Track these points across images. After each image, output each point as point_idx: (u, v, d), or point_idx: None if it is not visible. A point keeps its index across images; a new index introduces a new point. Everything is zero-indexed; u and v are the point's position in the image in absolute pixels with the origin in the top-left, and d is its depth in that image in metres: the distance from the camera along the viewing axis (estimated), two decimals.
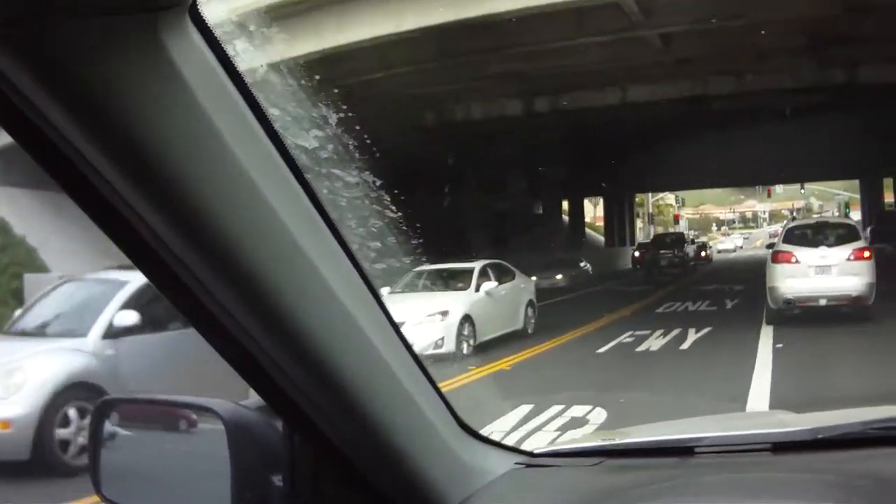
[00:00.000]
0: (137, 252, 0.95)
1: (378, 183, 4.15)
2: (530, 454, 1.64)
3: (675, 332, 14.09)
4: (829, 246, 13.92)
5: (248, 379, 1.14)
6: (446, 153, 24.27)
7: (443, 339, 12.55)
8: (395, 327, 1.24)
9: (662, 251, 35.12)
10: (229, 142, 0.88)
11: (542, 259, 26.07)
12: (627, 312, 19.01)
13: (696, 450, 1.63)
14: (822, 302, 13.52)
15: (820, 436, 1.58)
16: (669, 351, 12.62)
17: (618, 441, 1.84)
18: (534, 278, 18.07)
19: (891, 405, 1.87)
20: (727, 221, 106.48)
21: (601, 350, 12.99)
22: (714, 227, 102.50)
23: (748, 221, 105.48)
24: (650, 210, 72.24)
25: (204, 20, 0.85)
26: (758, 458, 1.60)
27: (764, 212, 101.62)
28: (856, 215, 58.00)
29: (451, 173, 26.73)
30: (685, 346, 13.00)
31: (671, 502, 1.42)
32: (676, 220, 73.48)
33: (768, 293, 14.16)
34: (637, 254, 37.84)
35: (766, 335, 12.97)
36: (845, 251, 13.73)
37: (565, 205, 47.55)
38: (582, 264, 31.08)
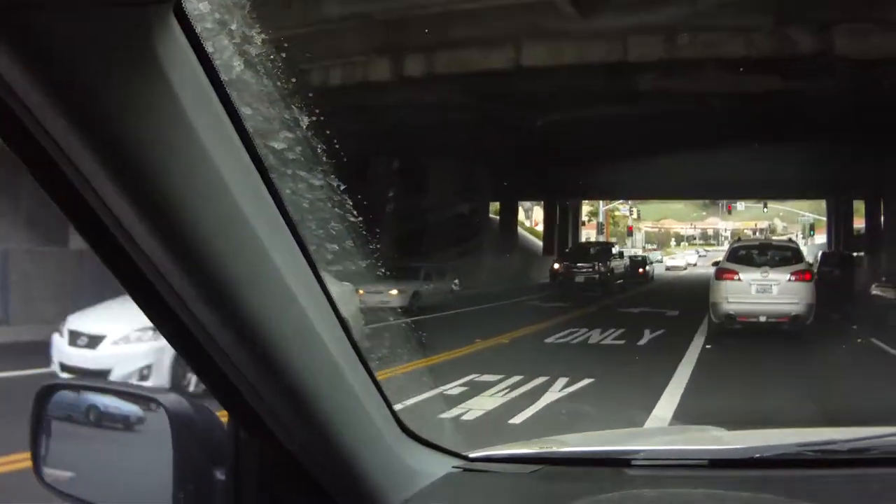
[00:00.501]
0: (98, 240, 0.97)
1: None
2: (468, 458, 1.66)
3: (537, 381, 9.77)
4: (772, 266, 14.17)
5: (197, 371, 1.16)
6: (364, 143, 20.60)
7: (150, 367, 8.28)
8: (346, 330, 1.26)
9: (580, 265, 28.38)
10: (204, 140, 0.91)
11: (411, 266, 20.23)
12: (505, 340, 14.63)
13: (633, 462, 1.66)
14: (762, 319, 13.68)
15: (757, 455, 1.66)
16: (491, 422, 7.87)
17: (555, 449, 1.85)
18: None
19: (825, 427, 2.16)
20: (687, 237, 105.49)
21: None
22: (673, 243, 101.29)
23: (709, 239, 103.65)
24: (603, 220, 67.37)
25: (187, 17, 0.88)
26: (694, 474, 1.64)
27: (725, 230, 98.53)
28: (821, 238, 54.43)
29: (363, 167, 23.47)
30: (517, 419, 7.91)
31: None
32: (630, 231, 68.86)
33: (711, 308, 14.27)
34: (556, 265, 30.33)
35: (672, 393, 9.05)
36: (787, 272, 13.96)
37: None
38: (445, 277, 22.52)
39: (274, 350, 1.10)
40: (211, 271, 0.99)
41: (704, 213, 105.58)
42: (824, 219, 57.83)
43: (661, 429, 3.02)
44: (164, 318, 1.06)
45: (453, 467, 1.60)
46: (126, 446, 1.49)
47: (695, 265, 64.16)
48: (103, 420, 1.48)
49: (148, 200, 0.90)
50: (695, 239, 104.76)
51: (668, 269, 55.95)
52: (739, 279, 14.03)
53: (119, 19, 0.79)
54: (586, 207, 65.83)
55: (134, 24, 0.80)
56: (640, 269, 37.70)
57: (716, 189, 47.14)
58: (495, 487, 1.61)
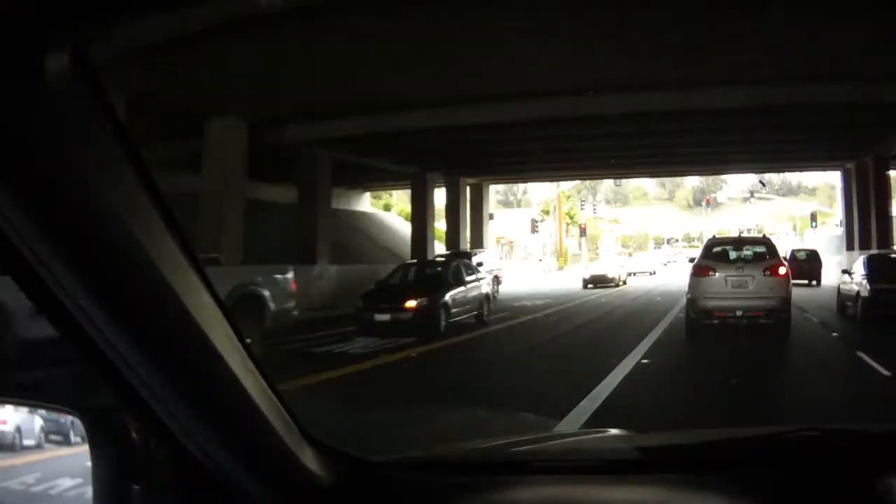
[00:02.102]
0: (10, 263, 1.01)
1: None
2: (369, 462, 1.67)
3: None
4: (747, 262, 14.54)
5: (105, 381, 1.19)
6: None
7: None
8: (240, 335, 1.28)
9: (382, 303, 14.93)
10: (99, 173, 0.98)
11: None
12: None
13: (533, 466, 1.71)
14: (739, 313, 13.96)
15: (654, 455, 1.70)
16: None
17: (456, 454, 1.90)
18: None
19: (727, 428, 2.07)
20: (669, 239, 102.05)
21: None
22: (652, 245, 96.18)
23: (693, 240, 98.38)
24: (560, 219, 54.92)
25: (87, 60, 0.93)
26: (594, 478, 1.66)
27: (710, 231, 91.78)
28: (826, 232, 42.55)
29: None
30: None
31: None
32: (583, 231, 55.62)
33: (688, 304, 14.58)
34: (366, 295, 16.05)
35: None
36: (761, 267, 14.26)
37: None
38: None
39: (174, 361, 1.16)
40: (108, 289, 1.05)
41: (688, 215, 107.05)
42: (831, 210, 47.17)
43: (562, 433, 2.76)
44: (69, 331, 1.11)
45: (355, 472, 1.62)
46: (40, 464, 1.49)
47: (652, 273, 48.06)
48: (13, 435, 1.51)
49: (49, 219, 0.96)
50: (677, 241, 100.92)
51: (588, 283, 34.58)
52: (715, 275, 14.26)
53: (19, 63, 0.86)
54: (544, 202, 53.76)
55: (35, 68, 0.87)
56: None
57: (683, 159, 32.80)
58: (396, 492, 1.63)
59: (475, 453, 1.92)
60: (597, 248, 74.08)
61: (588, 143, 25.59)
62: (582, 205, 62.14)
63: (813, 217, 46.42)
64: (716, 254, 14.92)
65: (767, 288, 13.92)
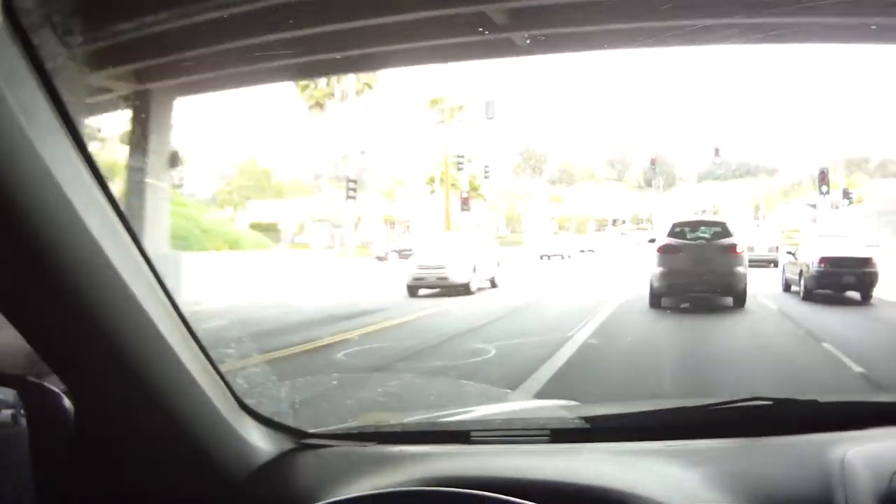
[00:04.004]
0: None
1: None
2: (309, 434, 1.74)
3: None
4: (707, 241, 15.87)
5: (43, 355, 1.22)
6: None
7: None
8: (180, 314, 1.34)
9: None
10: (36, 142, 1.00)
11: None
12: None
13: (473, 436, 1.74)
14: (700, 288, 15.31)
15: (598, 424, 1.75)
16: None
17: (391, 424, 1.97)
18: None
19: (676, 399, 2.08)
20: (616, 221, 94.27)
21: None
22: (593, 228, 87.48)
23: (642, 221, 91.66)
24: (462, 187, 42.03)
25: (20, 21, 0.93)
26: (534, 447, 1.71)
27: (662, 212, 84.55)
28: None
29: None
30: None
31: (445, 486, 1.43)
32: (465, 203, 41.06)
33: (651, 279, 15.55)
34: None
35: None
36: (720, 245, 15.58)
37: None
38: None
39: (115, 338, 1.20)
40: (57, 275, 1.10)
41: (639, 195, 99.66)
42: None
43: (504, 405, 2.77)
44: (17, 310, 1.14)
45: (293, 443, 1.68)
46: None
47: (591, 251, 39.51)
48: None
49: None
50: (624, 222, 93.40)
51: (414, 288, 20.01)
52: (679, 252, 15.40)
53: None
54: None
55: None
56: None
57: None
58: (332, 463, 1.66)
59: (413, 424, 1.99)
60: (517, 229, 64.32)
61: None
62: (486, 171, 48.80)
63: (823, 178, 32.24)
64: (678, 233, 16.35)
65: (725, 264, 15.26)
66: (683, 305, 15.17)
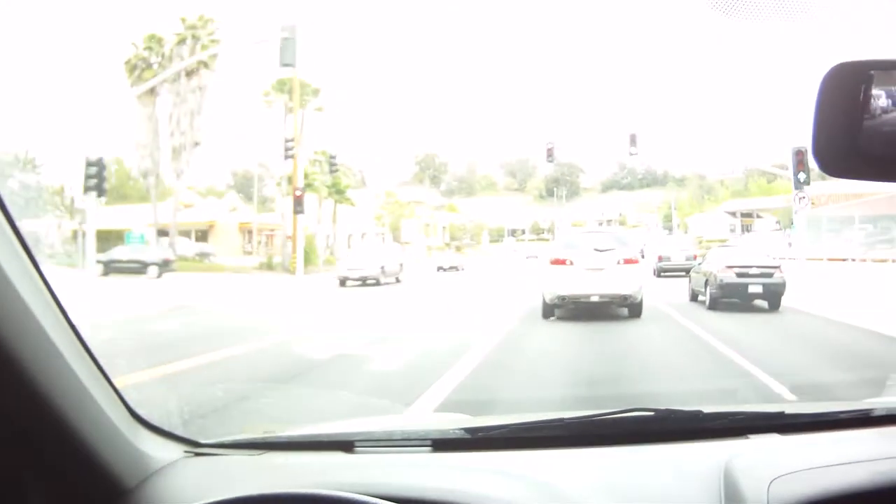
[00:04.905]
0: None
1: None
2: (199, 444, 1.75)
3: None
4: (602, 251, 15.23)
5: None
6: None
7: None
8: (72, 325, 1.34)
9: None
10: None
11: None
12: None
13: (357, 445, 1.77)
14: (595, 298, 14.81)
15: (480, 435, 1.81)
16: None
17: (279, 434, 1.97)
18: None
19: (564, 411, 1.94)
20: (515, 231, 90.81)
21: None
22: (486, 238, 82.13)
23: (543, 231, 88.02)
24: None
25: None
26: (417, 455, 1.75)
27: (564, 222, 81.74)
28: None
29: None
30: None
31: (330, 493, 1.44)
32: (298, 202, 31.34)
33: (544, 291, 15.22)
34: None
35: None
36: (616, 256, 15.06)
37: None
38: None
39: (8, 351, 1.18)
40: None
41: (542, 206, 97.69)
42: None
43: (388, 417, 3.00)
44: None
45: (185, 453, 1.70)
46: None
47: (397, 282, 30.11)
48: None
49: None
50: (524, 232, 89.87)
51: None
52: (572, 264, 15.00)
53: None
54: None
55: None
56: None
57: None
58: (222, 471, 1.70)
59: (299, 434, 2.02)
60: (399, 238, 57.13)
61: None
62: (332, 166, 39.10)
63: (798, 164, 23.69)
64: (572, 244, 15.90)
65: (619, 276, 14.80)
66: (575, 317, 14.86)
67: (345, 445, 1.75)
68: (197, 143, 35.52)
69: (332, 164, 38.29)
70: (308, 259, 31.89)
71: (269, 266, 32.70)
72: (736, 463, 1.54)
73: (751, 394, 7.27)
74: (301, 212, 30.45)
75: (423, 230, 62.35)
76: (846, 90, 1.31)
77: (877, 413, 1.94)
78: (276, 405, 6.23)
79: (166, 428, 1.70)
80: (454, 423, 1.96)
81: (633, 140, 29.18)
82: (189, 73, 35.33)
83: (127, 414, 1.52)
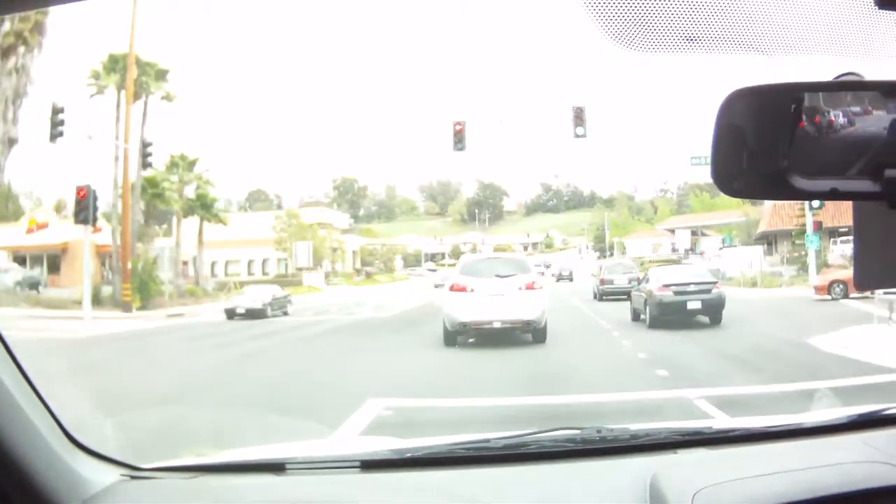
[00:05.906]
0: None
1: None
2: (135, 468, 1.78)
3: None
4: (503, 277, 15.41)
5: None
6: None
7: None
8: (8, 350, 1.36)
9: None
10: None
11: None
12: None
13: (288, 467, 1.84)
14: (497, 325, 14.93)
15: (409, 455, 1.87)
16: None
17: (212, 458, 2.02)
18: None
19: (493, 433, 2.04)
20: (433, 255, 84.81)
21: None
22: (400, 263, 75.95)
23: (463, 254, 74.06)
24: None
25: None
26: (346, 476, 1.80)
27: (484, 242, 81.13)
28: None
29: None
30: None
31: None
32: (81, 202, 24.24)
33: (445, 318, 15.33)
34: None
35: None
36: (517, 282, 15.22)
37: None
38: None
39: None
40: None
41: (460, 229, 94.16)
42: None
43: (319, 441, 3.06)
44: None
45: (122, 476, 1.72)
46: None
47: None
48: None
49: None
50: (443, 256, 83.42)
51: None
52: (472, 290, 14.98)
53: None
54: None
55: None
56: None
57: None
58: (158, 494, 1.74)
59: (233, 457, 2.08)
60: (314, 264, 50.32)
61: None
62: (147, 159, 31.38)
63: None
64: (472, 270, 15.93)
65: (521, 302, 14.90)
66: (476, 342, 14.40)
67: (276, 467, 1.82)
68: (13, 140, 27.51)
69: (194, 171, 30.72)
70: (145, 290, 24.20)
71: (96, 300, 25.00)
72: (662, 477, 1.62)
73: (677, 410, 7.63)
74: (86, 221, 22.65)
75: (329, 255, 55.21)
76: (739, 114, 1.42)
77: (806, 426, 2.00)
78: (207, 429, 6.49)
79: (103, 452, 1.71)
80: (382, 444, 2.01)
81: (579, 116, 23.87)
82: (4, 52, 27.42)
83: (64, 438, 1.54)
